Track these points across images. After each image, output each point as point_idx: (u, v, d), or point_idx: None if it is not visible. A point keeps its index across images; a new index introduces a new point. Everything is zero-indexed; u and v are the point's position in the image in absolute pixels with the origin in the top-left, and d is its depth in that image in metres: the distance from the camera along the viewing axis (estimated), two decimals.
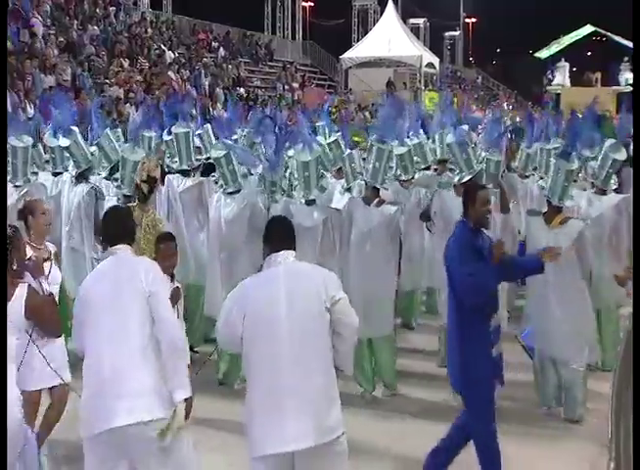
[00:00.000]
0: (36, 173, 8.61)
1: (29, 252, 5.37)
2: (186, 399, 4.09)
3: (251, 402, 4.08)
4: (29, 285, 4.18)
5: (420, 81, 38.21)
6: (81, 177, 8.24)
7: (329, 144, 8.61)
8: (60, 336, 4.59)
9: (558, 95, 30.17)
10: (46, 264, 5.13)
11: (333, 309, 4.11)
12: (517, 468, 5.79)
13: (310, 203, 7.22)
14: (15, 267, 4.18)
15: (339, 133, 8.79)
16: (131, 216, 4.71)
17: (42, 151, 9.09)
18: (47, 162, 9.00)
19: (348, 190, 7.96)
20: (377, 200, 7.16)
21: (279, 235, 4.30)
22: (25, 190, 7.79)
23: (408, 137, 9.16)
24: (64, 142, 8.24)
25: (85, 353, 4.18)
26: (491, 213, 5.58)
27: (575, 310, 6.62)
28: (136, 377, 4.02)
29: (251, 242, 7.41)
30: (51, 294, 4.39)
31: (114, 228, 4.39)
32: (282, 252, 4.21)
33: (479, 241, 5.28)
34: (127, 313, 4.10)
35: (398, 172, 8.89)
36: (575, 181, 7.35)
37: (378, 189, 7.16)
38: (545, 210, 6.89)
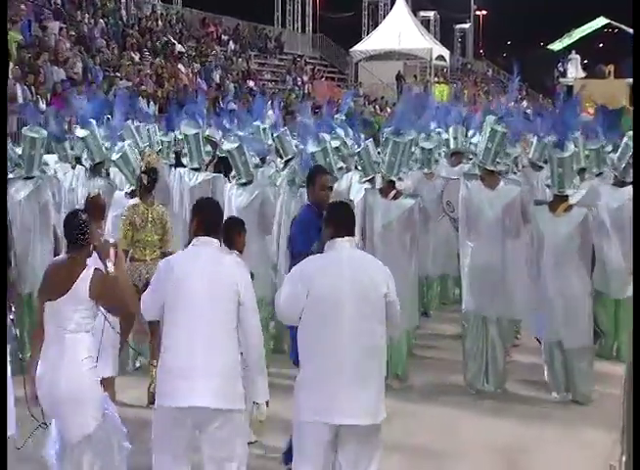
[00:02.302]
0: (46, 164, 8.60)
1: None
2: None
3: (309, 374, 4.32)
4: (96, 268, 4.47)
5: (430, 74, 38.11)
6: (96, 171, 8.24)
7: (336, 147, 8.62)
8: (130, 315, 4.72)
9: (570, 87, 30.01)
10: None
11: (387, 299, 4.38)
12: (534, 453, 5.87)
13: None
14: (88, 250, 4.51)
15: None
16: (222, 212, 4.85)
17: (67, 145, 9.05)
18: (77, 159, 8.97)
19: (369, 181, 7.95)
20: (394, 192, 7.19)
21: (341, 220, 4.50)
22: (39, 182, 7.79)
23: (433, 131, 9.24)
24: (80, 133, 8.24)
25: (170, 327, 4.34)
26: (329, 197, 5.85)
27: (575, 295, 6.78)
28: (222, 364, 4.27)
29: (262, 232, 7.51)
30: (116, 276, 4.62)
31: (207, 220, 4.51)
32: (344, 237, 4.42)
33: (320, 222, 5.38)
34: (220, 310, 4.30)
35: (418, 165, 8.93)
36: (582, 170, 7.37)
37: (394, 181, 7.21)
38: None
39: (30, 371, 4.50)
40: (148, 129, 9.93)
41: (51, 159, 9.01)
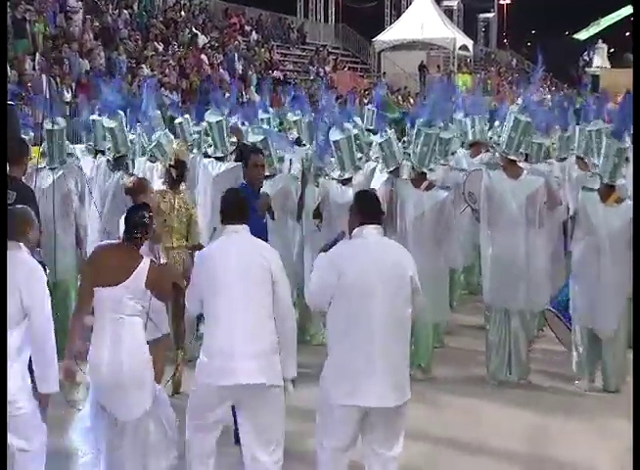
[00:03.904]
0: (71, 154, 8.66)
1: None
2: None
3: (338, 358, 4.44)
4: (152, 260, 4.73)
5: (453, 64, 37.88)
6: (118, 163, 8.28)
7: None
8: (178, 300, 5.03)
9: (595, 77, 29.69)
10: None
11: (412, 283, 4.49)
12: (558, 444, 5.88)
13: (346, 182, 7.42)
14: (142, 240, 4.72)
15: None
16: (247, 198, 4.99)
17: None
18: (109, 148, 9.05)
19: (391, 172, 7.94)
20: (426, 183, 7.18)
21: (368, 208, 4.62)
22: (61, 172, 7.87)
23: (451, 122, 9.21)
24: (108, 123, 8.27)
25: (212, 314, 4.54)
26: (262, 175, 6.30)
27: (622, 284, 6.78)
28: (265, 345, 4.46)
29: (284, 224, 7.55)
30: (166, 263, 5.01)
31: (235, 208, 4.70)
32: (372, 225, 4.54)
33: (253, 202, 5.76)
34: (255, 293, 4.48)
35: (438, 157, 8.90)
36: (627, 160, 7.35)
37: (425, 173, 7.19)
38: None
39: (69, 355, 4.64)
40: (180, 122, 9.96)
41: (79, 149, 9.10)
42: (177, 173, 7.01)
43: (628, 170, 7.35)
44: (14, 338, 4.45)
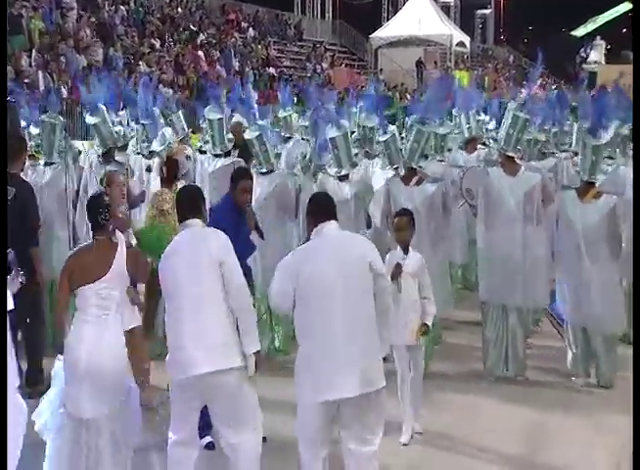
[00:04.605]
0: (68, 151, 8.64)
1: None
2: (255, 353, 4.58)
3: (305, 357, 4.51)
4: (128, 244, 4.79)
5: (450, 60, 37.85)
6: (108, 156, 8.28)
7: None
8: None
9: (592, 73, 29.70)
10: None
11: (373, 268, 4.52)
12: (556, 439, 5.89)
13: (343, 178, 7.46)
14: (110, 227, 4.76)
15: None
16: (201, 193, 5.11)
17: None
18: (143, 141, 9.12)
19: (396, 169, 7.95)
20: (416, 178, 7.19)
21: (323, 208, 4.71)
22: (59, 168, 7.85)
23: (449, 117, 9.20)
24: (90, 120, 8.32)
25: (167, 313, 4.70)
26: (249, 202, 6.26)
27: (607, 281, 6.83)
28: (213, 334, 4.53)
29: (282, 222, 7.55)
30: (132, 245, 5.11)
31: (187, 204, 4.81)
32: (328, 222, 4.62)
33: (236, 217, 5.94)
34: (203, 281, 4.56)
35: (432, 152, 8.90)
36: (612, 158, 7.36)
37: (415, 169, 7.21)
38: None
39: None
40: (171, 118, 9.97)
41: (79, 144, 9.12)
42: (167, 171, 7.04)
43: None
44: None
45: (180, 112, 10.24)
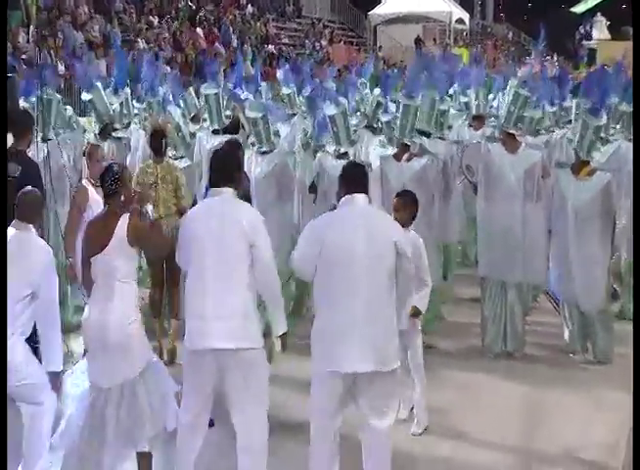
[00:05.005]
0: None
1: (90, 189, 6.53)
2: (282, 335, 4.58)
3: (322, 325, 4.47)
4: (131, 213, 4.64)
5: (449, 37, 37.62)
6: (104, 133, 8.23)
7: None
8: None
9: (592, 50, 29.53)
10: None
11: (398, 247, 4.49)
12: (554, 416, 5.92)
13: (341, 156, 7.41)
14: (122, 199, 4.71)
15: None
16: (237, 161, 5.00)
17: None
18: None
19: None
20: (407, 155, 7.17)
21: (356, 179, 4.63)
22: (56, 143, 7.80)
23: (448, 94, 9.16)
24: (85, 96, 8.29)
25: (189, 277, 4.60)
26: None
27: (590, 259, 6.84)
28: (235, 307, 4.44)
29: (281, 200, 7.53)
30: (156, 219, 5.01)
31: (219, 171, 4.66)
32: (357, 194, 4.55)
33: None
34: (231, 252, 4.46)
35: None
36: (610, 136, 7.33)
37: (408, 145, 7.19)
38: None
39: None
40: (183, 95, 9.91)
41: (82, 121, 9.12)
42: (153, 143, 6.99)
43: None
44: (19, 315, 4.60)
45: (191, 88, 10.17)
